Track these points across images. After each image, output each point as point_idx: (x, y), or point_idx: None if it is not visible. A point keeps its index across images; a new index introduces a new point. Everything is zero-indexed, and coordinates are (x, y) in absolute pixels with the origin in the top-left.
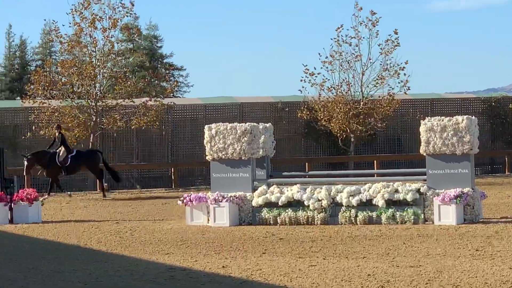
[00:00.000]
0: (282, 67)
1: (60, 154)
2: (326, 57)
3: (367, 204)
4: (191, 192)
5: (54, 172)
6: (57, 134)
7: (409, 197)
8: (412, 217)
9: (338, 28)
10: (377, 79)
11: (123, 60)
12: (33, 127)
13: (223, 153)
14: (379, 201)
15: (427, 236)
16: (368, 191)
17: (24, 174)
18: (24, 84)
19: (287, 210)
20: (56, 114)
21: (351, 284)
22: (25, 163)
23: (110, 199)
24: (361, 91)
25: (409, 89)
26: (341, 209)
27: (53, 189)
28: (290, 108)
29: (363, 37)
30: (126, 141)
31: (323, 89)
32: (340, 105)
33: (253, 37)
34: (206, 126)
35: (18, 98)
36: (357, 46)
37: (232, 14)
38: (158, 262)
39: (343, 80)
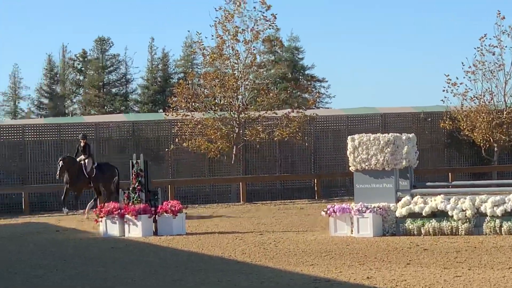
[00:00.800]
0: (424, 77)
1: (87, 165)
2: (469, 67)
3: None
4: (335, 203)
5: (83, 185)
6: (82, 143)
7: None
8: None
9: (482, 37)
10: None
11: (265, 72)
12: (176, 139)
13: (366, 164)
14: None
15: None
16: None
17: (57, 177)
18: (166, 96)
19: (431, 221)
20: (199, 126)
21: None
22: (60, 164)
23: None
24: (504, 100)
25: None
26: (486, 219)
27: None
28: (432, 118)
29: (506, 46)
30: (269, 153)
31: (465, 99)
32: (483, 114)
33: (395, 46)
34: (349, 137)
35: (161, 110)
36: (500, 55)
37: (374, 23)
38: (302, 273)
39: (486, 90)
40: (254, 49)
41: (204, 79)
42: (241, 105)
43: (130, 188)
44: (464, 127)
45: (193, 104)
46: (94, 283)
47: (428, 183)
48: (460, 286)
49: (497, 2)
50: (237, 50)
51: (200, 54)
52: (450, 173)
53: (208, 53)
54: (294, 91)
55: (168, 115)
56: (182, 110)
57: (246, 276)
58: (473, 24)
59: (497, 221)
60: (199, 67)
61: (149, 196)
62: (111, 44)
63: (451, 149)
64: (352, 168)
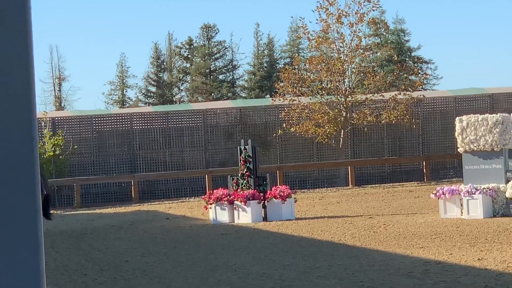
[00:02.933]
0: None
1: None
2: None
3: None
4: (444, 185)
5: None
6: None
7: None
8: None
9: None
10: None
11: (371, 55)
12: (284, 124)
13: (474, 144)
14: None
15: None
16: None
17: None
18: (273, 82)
19: None
20: (306, 110)
21: None
22: None
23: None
24: None
25: None
26: None
27: None
28: None
29: None
30: (377, 136)
31: None
32: None
33: (503, 24)
34: (457, 118)
35: (268, 96)
36: None
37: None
38: (412, 256)
39: None
40: (359, 32)
41: (310, 63)
42: (347, 88)
43: (239, 174)
44: None
45: (300, 88)
46: (205, 269)
47: None
48: None
49: None
50: (342, 33)
51: (305, 39)
52: None
53: (313, 37)
54: (400, 73)
55: (275, 100)
56: (289, 95)
57: (356, 260)
58: None
59: None
60: (305, 51)
61: (257, 182)
62: (217, 31)
63: None
64: (460, 150)
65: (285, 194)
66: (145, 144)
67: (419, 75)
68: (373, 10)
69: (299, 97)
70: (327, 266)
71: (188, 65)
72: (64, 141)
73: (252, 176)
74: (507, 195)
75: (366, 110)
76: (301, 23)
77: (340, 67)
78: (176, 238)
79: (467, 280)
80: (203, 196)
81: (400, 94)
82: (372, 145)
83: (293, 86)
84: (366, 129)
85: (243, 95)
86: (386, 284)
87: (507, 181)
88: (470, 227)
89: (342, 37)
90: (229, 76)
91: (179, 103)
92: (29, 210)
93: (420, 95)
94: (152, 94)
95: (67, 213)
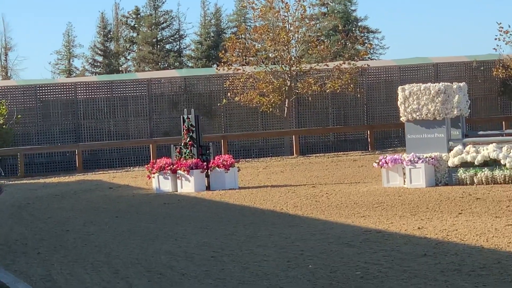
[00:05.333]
0: (476, 26)
1: None
2: None
3: None
4: (387, 154)
5: None
6: None
7: None
8: None
9: None
10: None
11: (317, 25)
12: (228, 94)
13: (417, 114)
14: None
15: None
16: None
17: None
18: (220, 51)
19: (483, 170)
20: (250, 80)
21: None
22: None
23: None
24: None
25: None
26: None
27: None
28: (485, 67)
29: None
30: (321, 105)
31: None
32: None
33: None
34: (399, 88)
35: (215, 65)
36: None
37: None
38: (353, 225)
39: None
40: (304, 1)
41: (255, 33)
42: (292, 58)
43: (182, 144)
44: None
45: (245, 58)
46: (146, 238)
47: (480, 132)
48: None
49: None
50: (287, 3)
51: (250, 8)
52: (504, 122)
53: (258, 6)
54: (346, 43)
55: (219, 69)
56: (234, 65)
57: (297, 229)
58: None
59: None
60: (251, 21)
61: (201, 151)
62: (164, 1)
63: (504, 98)
64: (403, 119)
65: (228, 163)
66: (89, 113)
67: (365, 45)
68: None
69: (244, 67)
70: (268, 235)
71: (135, 34)
72: (8, 110)
73: (195, 146)
74: (450, 164)
75: (310, 80)
76: None
77: (285, 36)
78: (118, 207)
79: (407, 249)
80: (146, 166)
81: (344, 63)
82: (317, 114)
83: (238, 55)
84: (310, 98)
85: (190, 64)
86: (326, 253)
87: (449, 150)
88: (412, 196)
89: (287, 7)
90: (176, 46)
91: (126, 73)
92: None
93: (365, 65)
94: (98, 64)
95: (10, 182)
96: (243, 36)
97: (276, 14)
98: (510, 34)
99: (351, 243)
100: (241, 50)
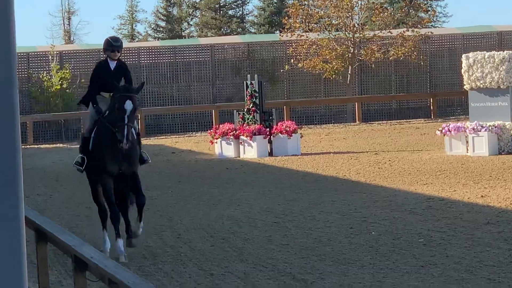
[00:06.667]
0: None
1: None
2: None
3: None
4: (450, 122)
5: None
6: None
7: None
8: None
9: None
10: None
11: None
12: (291, 60)
13: (481, 82)
14: None
15: None
16: None
17: None
18: (282, 18)
19: None
20: (314, 46)
21: None
22: None
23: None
24: None
25: None
26: None
27: None
28: None
29: None
30: (384, 72)
31: None
32: None
33: None
34: (463, 56)
35: (277, 32)
36: None
37: None
38: (416, 193)
39: None
40: None
41: None
42: (355, 25)
43: (245, 110)
44: None
45: (308, 24)
46: (208, 203)
47: None
48: None
49: None
50: None
51: None
52: None
53: None
54: (410, 10)
55: (283, 36)
56: (297, 31)
57: (360, 195)
58: None
59: None
60: None
61: (264, 117)
62: None
63: None
64: (466, 87)
65: (291, 129)
66: (152, 78)
67: (429, 12)
68: None
69: (307, 33)
70: (331, 201)
71: (197, 0)
72: (71, 75)
73: (258, 111)
74: None
75: (373, 47)
76: None
77: (348, 3)
78: (181, 172)
79: (470, 217)
80: (209, 131)
81: (408, 31)
82: (380, 81)
83: (301, 22)
84: (373, 65)
85: (253, 30)
86: (389, 220)
87: None
88: (475, 164)
89: None
90: (238, 12)
91: (189, 38)
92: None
93: (428, 32)
94: (161, 29)
95: (73, 146)
96: (306, 2)
97: None
98: None
99: (414, 210)
100: (304, 17)
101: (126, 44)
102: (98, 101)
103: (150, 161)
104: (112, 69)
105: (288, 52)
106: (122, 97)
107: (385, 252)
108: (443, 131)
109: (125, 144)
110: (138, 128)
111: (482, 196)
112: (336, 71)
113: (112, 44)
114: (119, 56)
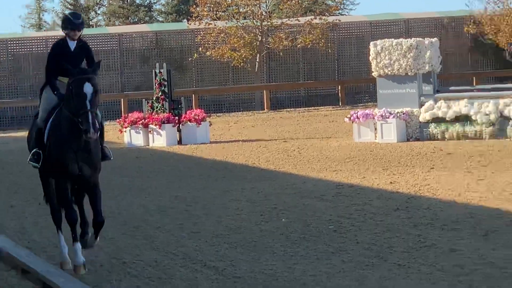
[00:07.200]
0: None
1: None
2: None
3: None
4: (358, 110)
5: None
6: None
7: None
8: None
9: None
10: None
11: None
12: (200, 49)
13: (389, 69)
14: None
15: None
16: None
17: None
18: (190, 6)
19: (454, 125)
20: (222, 35)
21: None
22: None
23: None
24: None
25: None
26: (510, 123)
27: None
28: (456, 23)
29: None
30: (292, 60)
31: (489, 3)
32: (507, 18)
33: None
34: (371, 43)
35: (185, 20)
36: None
37: None
38: (326, 180)
39: None
40: None
41: None
42: (263, 13)
43: (154, 98)
44: (488, 31)
45: (216, 13)
46: (119, 192)
47: (452, 88)
48: (483, 189)
49: None
50: None
51: None
52: (474, 78)
53: None
54: None
55: (191, 24)
56: (205, 19)
57: (269, 183)
58: None
59: None
60: None
61: (172, 106)
62: None
63: (475, 54)
64: (375, 74)
65: (200, 117)
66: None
67: (335, 0)
68: None
69: (215, 21)
70: (241, 189)
71: None
72: None
73: (167, 100)
74: (421, 119)
75: (281, 35)
76: None
77: None
78: None
79: (379, 203)
80: (118, 120)
81: (315, 18)
82: (288, 69)
83: (209, 10)
84: (281, 53)
85: (161, 19)
86: (299, 207)
87: (421, 106)
88: (384, 151)
89: None
90: (146, 1)
91: (96, 27)
92: None
93: (336, 20)
94: None
95: None
96: None
97: None
98: None
99: (324, 197)
100: (212, 5)
101: (34, 33)
102: (58, 88)
103: (112, 158)
104: (72, 49)
105: (196, 40)
106: (79, 81)
107: (295, 239)
108: (352, 118)
109: (93, 134)
110: (102, 116)
111: (391, 182)
112: (245, 59)
113: (72, 22)
114: (80, 35)
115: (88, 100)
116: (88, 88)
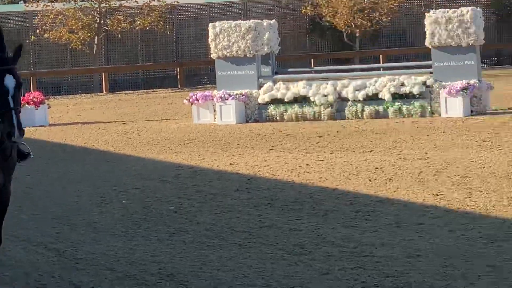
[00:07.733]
0: None
1: None
2: None
3: (374, 98)
4: (197, 92)
5: None
6: None
7: (415, 90)
8: (419, 110)
9: None
10: None
11: None
12: (37, 31)
13: (227, 51)
14: (385, 95)
15: (434, 128)
16: (374, 85)
17: None
18: None
19: (293, 106)
20: (59, 17)
21: (358, 178)
22: None
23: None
24: None
25: None
26: (348, 104)
27: None
28: (294, 5)
29: None
30: (131, 42)
31: None
32: (344, 0)
33: None
34: (210, 25)
35: (21, 2)
36: None
37: None
38: (165, 161)
39: None
40: None
41: None
42: None
43: None
44: (326, 13)
45: None
46: None
47: (290, 69)
48: (322, 169)
49: None
50: None
51: None
52: (312, 59)
53: None
54: None
55: (28, 6)
56: (42, 1)
57: (109, 165)
58: None
59: (359, 105)
60: None
61: None
62: None
63: (313, 36)
64: (214, 56)
65: (38, 100)
66: None
67: None
68: None
69: (53, 3)
70: (80, 171)
71: None
72: None
73: None
74: (260, 100)
75: (120, 17)
76: None
77: None
78: None
79: (219, 184)
80: None
81: (154, 0)
82: (126, 51)
83: None
84: (120, 35)
85: None
86: (139, 188)
87: (260, 87)
88: (223, 132)
89: None
90: None
91: None
92: None
93: (174, 2)
94: None
95: None
96: None
97: None
98: None
99: (164, 178)
100: None
101: None
102: None
103: (32, 156)
104: None
105: (34, 22)
106: None
107: (136, 220)
108: (191, 100)
109: (18, 137)
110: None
111: (230, 163)
112: (83, 42)
113: None
114: None
115: (11, 95)
116: (10, 81)
